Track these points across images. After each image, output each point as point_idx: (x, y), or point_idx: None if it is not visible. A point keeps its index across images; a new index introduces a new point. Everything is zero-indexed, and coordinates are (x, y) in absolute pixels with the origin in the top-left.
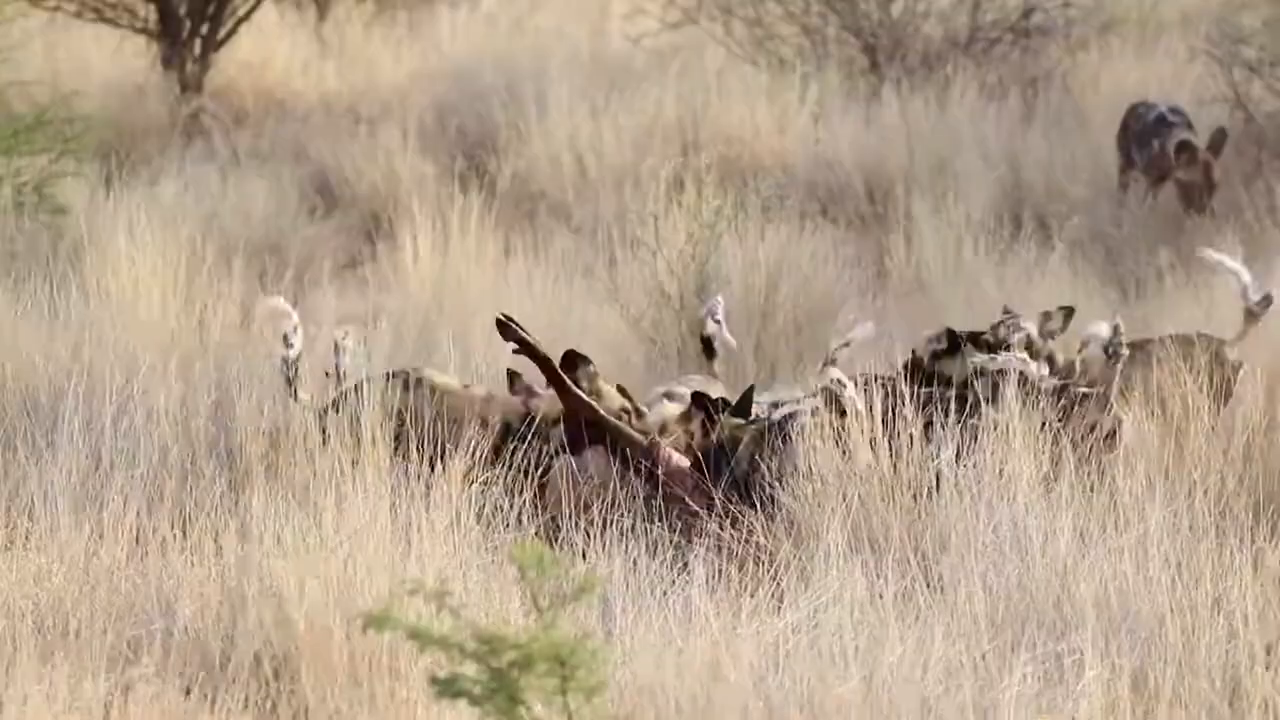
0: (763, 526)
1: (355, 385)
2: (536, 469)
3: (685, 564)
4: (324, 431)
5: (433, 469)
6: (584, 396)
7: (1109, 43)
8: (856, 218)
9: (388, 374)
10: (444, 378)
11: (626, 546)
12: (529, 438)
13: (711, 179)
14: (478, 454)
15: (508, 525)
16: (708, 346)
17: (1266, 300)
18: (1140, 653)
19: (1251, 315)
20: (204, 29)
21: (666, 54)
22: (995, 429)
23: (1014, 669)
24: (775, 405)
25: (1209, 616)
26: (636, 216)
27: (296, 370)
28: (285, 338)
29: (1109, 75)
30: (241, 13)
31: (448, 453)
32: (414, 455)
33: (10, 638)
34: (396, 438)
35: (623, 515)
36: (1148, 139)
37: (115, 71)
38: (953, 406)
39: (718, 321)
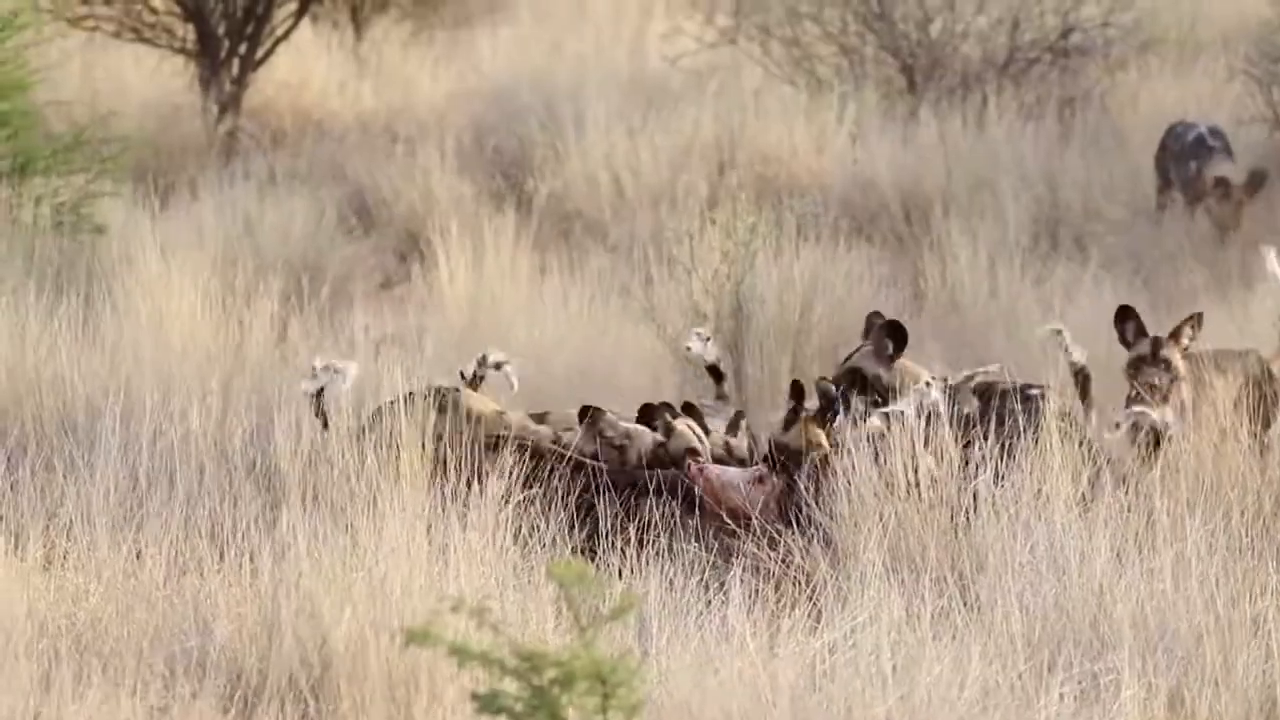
0: (800, 547)
1: (392, 401)
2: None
3: (722, 584)
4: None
5: (469, 489)
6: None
7: (1148, 62)
8: (893, 237)
9: (430, 390)
10: (481, 402)
11: (663, 566)
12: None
13: (747, 198)
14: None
15: (543, 546)
16: (714, 372)
17: None
18: (1177, 672)
19: None
20: (242, 49)
21: (704, 74)
22: (1035, 448)
23: (1051, 689)
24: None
25: (1246, 636)
26: (672, 236)
27: (320, 401)
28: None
29: (1147, 95)
30: (279, 33)
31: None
32: (451, 475)
33: (48, 657)
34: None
35: (659, 535)
36: (1186, 159)
37: (153, 91)
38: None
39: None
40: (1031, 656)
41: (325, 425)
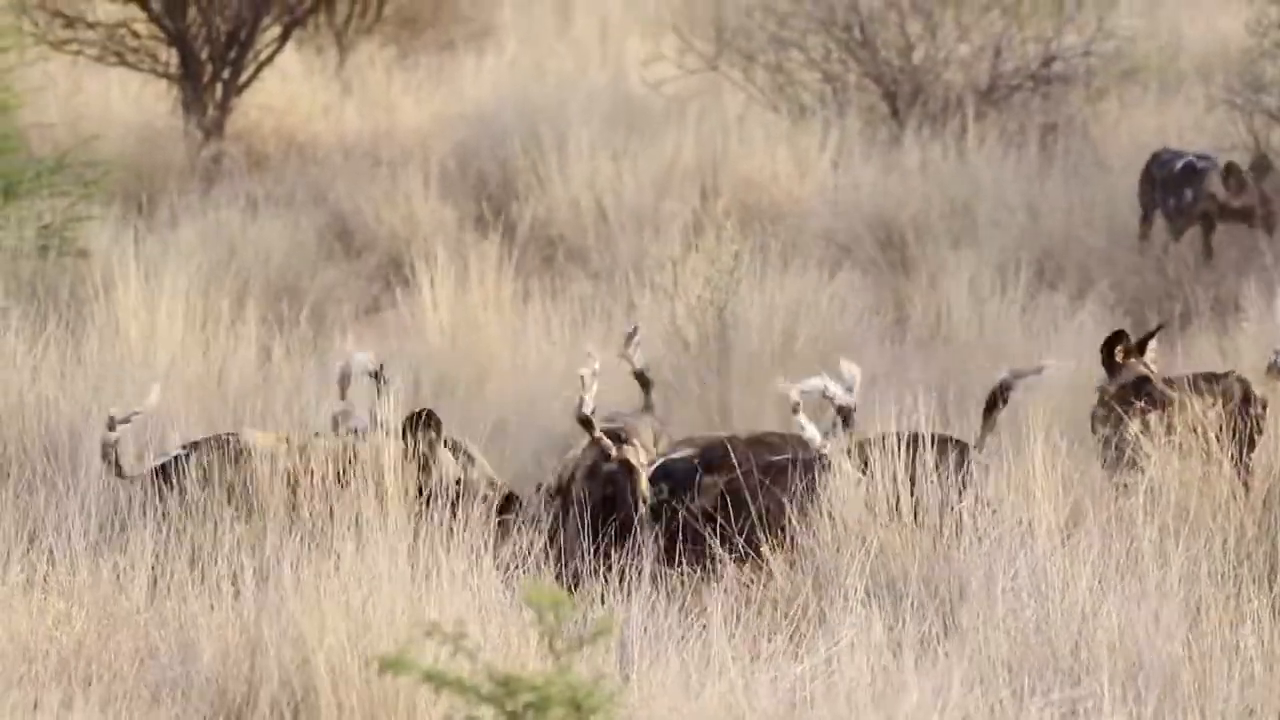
0: (782, 571)
1: (177, 455)
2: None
3: (703, 608)
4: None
5: (453, 514)
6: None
7: (1129, 91)
8: (874, 265)
9: (200, 441)
10: (266, 437)
11: (645, 591)
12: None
13: (730, 224)
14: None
15: (526, 571)
16: (641, 380)
17: None
18: (1156, 699)
19: (1275, 370)
20: (225, 73)
21: (686, 99)
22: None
23: (1030, 715)
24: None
25: (1225, 663)
26: (655, 261)
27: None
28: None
29: (1129, 123)
30: (263, 57)
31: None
32: (435, 500)
33: (31, 681)
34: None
35: (641, 560)
36: (1177, 187)
37: (136, 115)
38: None
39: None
40: (1012, 682)
41: (120, 474)
